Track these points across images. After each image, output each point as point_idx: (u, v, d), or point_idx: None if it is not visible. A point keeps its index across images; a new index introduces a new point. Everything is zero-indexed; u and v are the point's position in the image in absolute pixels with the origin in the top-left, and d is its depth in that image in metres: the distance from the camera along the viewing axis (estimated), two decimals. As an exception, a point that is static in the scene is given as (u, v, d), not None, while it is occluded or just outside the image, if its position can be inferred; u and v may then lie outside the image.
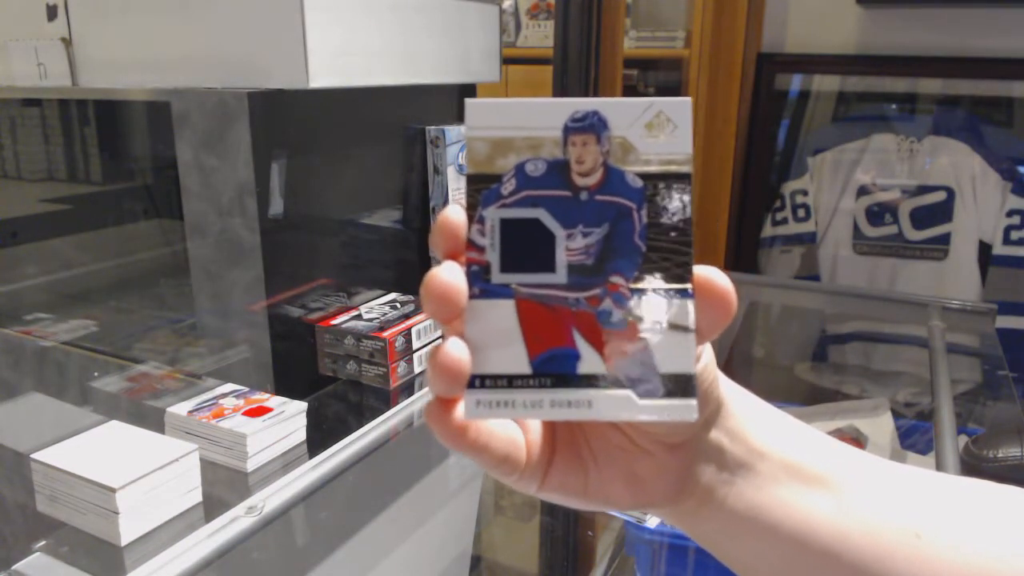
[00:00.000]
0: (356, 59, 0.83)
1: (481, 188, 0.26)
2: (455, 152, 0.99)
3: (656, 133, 0.26)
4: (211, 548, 0.57)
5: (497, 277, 0.25)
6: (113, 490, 0.55)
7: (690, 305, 0.25)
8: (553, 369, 0.25)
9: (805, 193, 1.94)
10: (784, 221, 1.96)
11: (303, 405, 0.72)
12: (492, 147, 0.26)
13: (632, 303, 0.25)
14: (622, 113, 0.26)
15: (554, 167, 0.26)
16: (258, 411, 0.69)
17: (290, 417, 0.70)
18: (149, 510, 0.58)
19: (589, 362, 0.25)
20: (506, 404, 0.25)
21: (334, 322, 0.85)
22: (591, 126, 0.26)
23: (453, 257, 0.26)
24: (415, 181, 1.00)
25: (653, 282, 0.25)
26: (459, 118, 1.09)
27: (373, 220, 0.94)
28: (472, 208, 0.25)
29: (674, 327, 0.25)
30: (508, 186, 0.26)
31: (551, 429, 0.30)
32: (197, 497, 0.62)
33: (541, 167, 0.26)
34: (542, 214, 0.26)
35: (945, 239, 1.81)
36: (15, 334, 0.93)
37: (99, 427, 0.65)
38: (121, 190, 0.95)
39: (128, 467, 0.58)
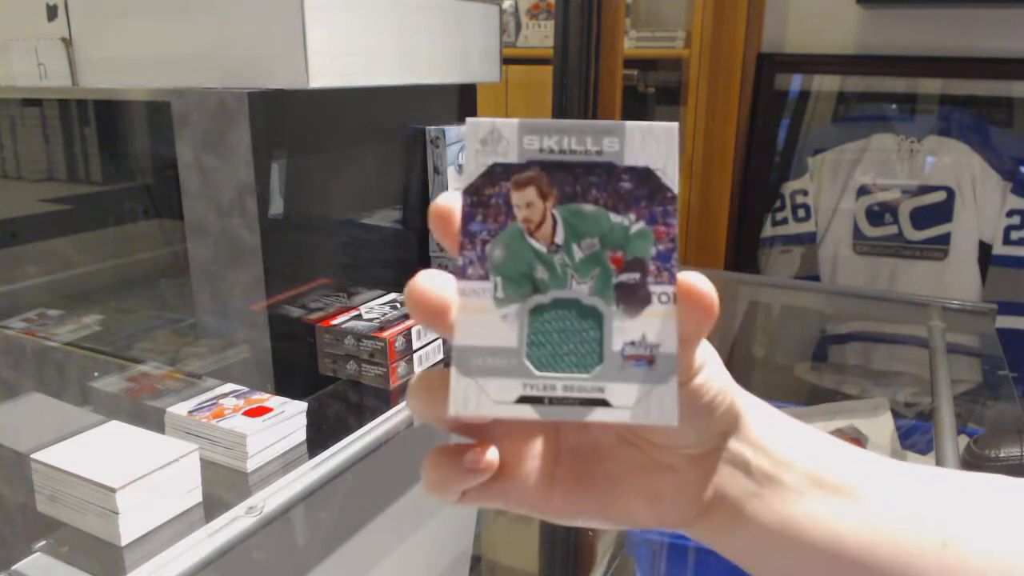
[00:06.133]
0: (356, 59, 0.83)
1: None
2: (455, 152, 0.99)
3: None
4: (211, 548, 0.57)
5: None
6: (113, 490, 0.55)
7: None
8: None
9: (805, 193, 1.94)
10: (784, 221, 1.96)
11: (303, 405, 0.72)
12: None
13: None
14: None
15: None
16: (258, 411, 0.69)
17: (290, 417, 0.70)
18: (149, 510, 0.58)
19: None
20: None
21: (334, 322, 0.85)
22: None
23: None
24: (415, 181, 1.00)
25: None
26: (459, 118, 1.09)
27: (373, 220, 0.94)
28: None
29: None
30: None
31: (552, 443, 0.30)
32: (197, 497, 0.62)
33: None
34: None
35: (945, 239, 1.81)
36: (16, 334, 0.93)
37: (99, 427, 0.65)
38: (121, 190, 0.95)
39: (128, 467, 0.58)
